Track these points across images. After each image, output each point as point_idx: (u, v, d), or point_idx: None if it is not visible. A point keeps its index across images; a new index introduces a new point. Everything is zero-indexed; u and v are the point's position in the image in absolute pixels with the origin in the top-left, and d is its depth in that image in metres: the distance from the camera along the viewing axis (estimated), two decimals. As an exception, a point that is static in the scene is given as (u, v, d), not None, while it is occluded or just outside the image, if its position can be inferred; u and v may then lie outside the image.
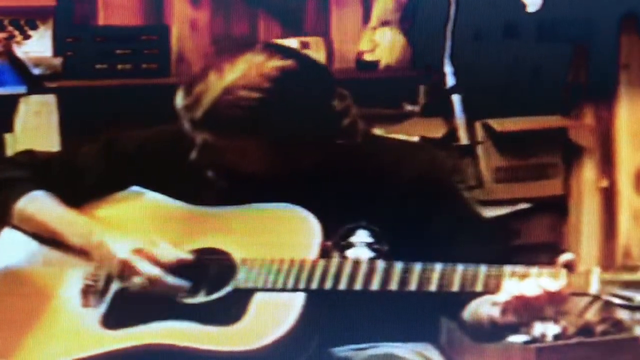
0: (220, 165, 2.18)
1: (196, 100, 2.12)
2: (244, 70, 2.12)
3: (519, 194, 3.84)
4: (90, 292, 2.21)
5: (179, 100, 2.16)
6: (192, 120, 2.14)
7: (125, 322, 2.15)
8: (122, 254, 2.18)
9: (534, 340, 3.57)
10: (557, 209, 3.96)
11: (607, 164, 3.97)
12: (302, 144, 2.16)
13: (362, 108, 2.30)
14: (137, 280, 2.16)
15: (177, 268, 2.16)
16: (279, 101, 2.12)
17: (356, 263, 2.10)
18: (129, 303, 2.17)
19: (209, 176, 2.21)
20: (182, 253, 2.17)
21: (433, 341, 2.25)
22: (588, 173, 3.99)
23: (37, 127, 3.46)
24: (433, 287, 2.06)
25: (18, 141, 3.44)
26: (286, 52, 2.19)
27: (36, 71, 3.50)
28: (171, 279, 2.15)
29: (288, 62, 2.14)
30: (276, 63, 2.13)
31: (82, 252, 2.24)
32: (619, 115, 3.93)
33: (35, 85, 3.48)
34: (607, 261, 3.96)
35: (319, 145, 2.18)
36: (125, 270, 2.17)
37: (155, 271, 2.15)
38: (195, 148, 2.18)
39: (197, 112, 2.12)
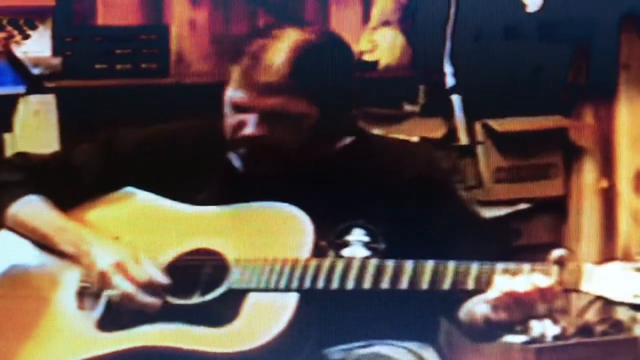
0: (266, 144, 2.18)
1: (257, 62, 2.15)
2: (297, 32, 2.18)
3: (518, 194, 3.84)
4: (85, 295, 2.21)
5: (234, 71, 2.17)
6: (264, 85, 2.15)
7: (121, 325, 2.15)
8: (102, 266, 2.19)
9: (534, 340, 3.58)
10: (557, 209, 3.96)
11: (607, 165, 3.97)
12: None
13: (362, 108, 2.31)
14: (112, 293, 2.17)
15: (153, 284, 2.16)
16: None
17: (348, 262, 2.11)
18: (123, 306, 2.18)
19: (236, 158, 2.21)
20: (159, 274, 2.17)
21: (431, 342, 2.25)
22: (588, 174, 3.99)
23: (37, 126, 3.45)
24: (425, 285, 2.06)
25: (17, 141, 3.44)
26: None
27: (35, 71, 3.50)
28: (143, 297, 2.15)
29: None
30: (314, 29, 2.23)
31: (73, 259, 2.24)
32: (619, 116, 3.94)
33: (35, 85, 3.48)
34: (607, 261, 3.96)
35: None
36: (103, 282, 2.18)
37: (128, 288, 2.16)
38: (254, 121, 2.16)
39: (270, 76, 2.14)
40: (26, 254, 2.29)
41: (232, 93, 2.18)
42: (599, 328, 3.72)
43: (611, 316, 3.78)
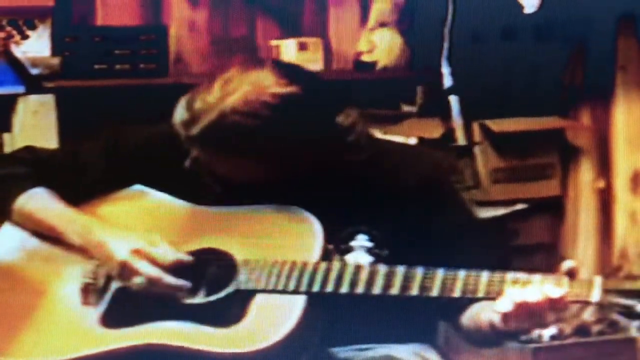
0: (214, 175, 2.19)
1: (194, 118, 2.12)
2: (245, 93, 2.11)
3: (516, 195, 3.84)
4: (89, 291, 2.21)
5: (179, 114, 2.15)
6: (188, 136, 2.14)
7: (125, 321, 2.15)
8: (121, 255, 2.18)
9: (531, 340, 3.58)
10: (554, 209, 3.96)
11: (604, 165, 3.97)
12: (299, 159, 2.15)
13: (363, 111, 2.30)
14: (137, 280, 2.16)
15: (176, 268, 2.16)
16: (277, 128, 2.11)
17: (358, 267, 2.10)
18: (129, 302, 2.18)
19: (205, 181, 2.21)
20: (181, 254, 2.17)
21: (431, 342, 2.26)
22: (585, 174, 3.99)
23: (35, 126, 3.45)
24: (435, 293, 2.06)
25: (16, 141, 3.43)
26: (294, 75, 2.16)
27: (34, 71, 3.49)
28: (171, 279, 2.15)
29: (292, 89, 2.12)
30: (279, 90, 2.12)
31: (81, 251, 2.24)
32: (616, 117, 3.94)
33: (34, 85, 3.47)
34: (604, 262, 3.97)
35: (317, 160, 2.17)
36: (125, 270, 2.17)
37: (154, 271, 2.15)
38: (189, 158, 2.19)
39: (193, 130, 2.12)
40: (30, 248, 2.29)
41: None
42: (596, 328, 3.71)
43: (607, 316, 3.78)
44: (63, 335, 2.18)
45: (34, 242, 2.29)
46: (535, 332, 3.59)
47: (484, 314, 2.08)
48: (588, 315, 3.75)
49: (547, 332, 3.61)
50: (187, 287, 2.14)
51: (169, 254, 2.17)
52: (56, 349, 2.16)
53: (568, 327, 3.66)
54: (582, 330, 3.69)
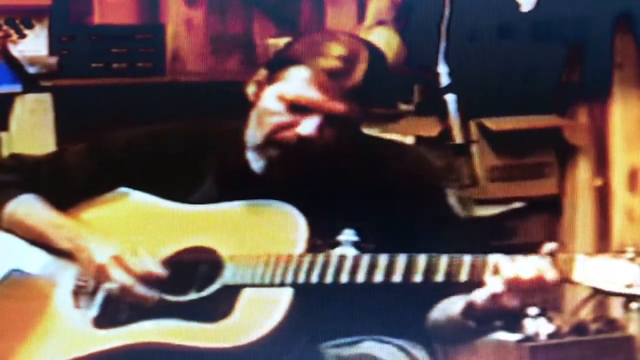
0: (309, 148, 2.17)
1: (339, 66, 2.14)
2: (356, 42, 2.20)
3: (513, 193, 3.85)
4: (81, 293, 2.23)
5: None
6: (342, 89, 2.14)
7: (117, 322, 2.17)
8: (100, 259, 2.20)
9: (528, 338, 3.57)
10: (552, 208, 3.96)
11: (602, 163, 3.97)
12: None
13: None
14: (110, 286, 2.19)
15: (166, 268, 2.18)
16: None
17: (342, 257, 2.11)
18: (120, 303, 2.19)
19: (260, 158, 2.19)
20: (157, 266, 2.18)
21: (422, 338, 2.25)
22: (582, 172, 3.99)
23: (33, 125, 3.46)
24: (418, 278, 2.06)
25: (13, 140, 3.44)
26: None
27: (32, 70, 3.50)
28: (141, 289, 2.17)
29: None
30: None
31: (69, 256, 2.25)
32: (613, 115, 3.93)
33: (31, 84, 3.48)
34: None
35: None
36: (101, 274, 2.20)
37: (127, 280, 2.18)
38: (315, 123, 2.14)
39: (350, 81, 2.13)
40: (27, 254, 2.30)
41: (296, 91, 2.15)
42: (593, 326, 3.71)
43: (605, 314, 3.78)
44: (57, 339, 2.19)
45: (30, 248, 2.30)
46: (532, 331, 3.58)
47: (456, 305, 2.08)
48: (585, 313, 3.76)
49: (545, 331, 3.60)
50: (155, 299, 2.16)
51: (144, 264, 2.18)
52: (51, 352, 2.17)
53: (565, 326, 3.66)
54: (580, 328, 3.68)
